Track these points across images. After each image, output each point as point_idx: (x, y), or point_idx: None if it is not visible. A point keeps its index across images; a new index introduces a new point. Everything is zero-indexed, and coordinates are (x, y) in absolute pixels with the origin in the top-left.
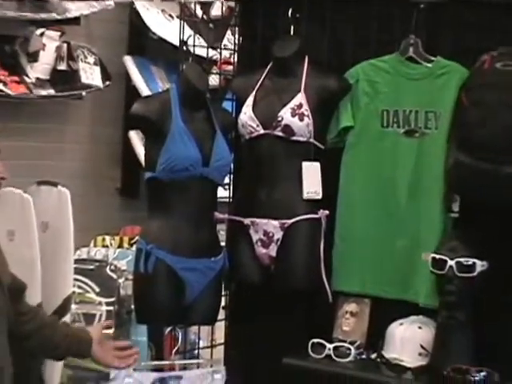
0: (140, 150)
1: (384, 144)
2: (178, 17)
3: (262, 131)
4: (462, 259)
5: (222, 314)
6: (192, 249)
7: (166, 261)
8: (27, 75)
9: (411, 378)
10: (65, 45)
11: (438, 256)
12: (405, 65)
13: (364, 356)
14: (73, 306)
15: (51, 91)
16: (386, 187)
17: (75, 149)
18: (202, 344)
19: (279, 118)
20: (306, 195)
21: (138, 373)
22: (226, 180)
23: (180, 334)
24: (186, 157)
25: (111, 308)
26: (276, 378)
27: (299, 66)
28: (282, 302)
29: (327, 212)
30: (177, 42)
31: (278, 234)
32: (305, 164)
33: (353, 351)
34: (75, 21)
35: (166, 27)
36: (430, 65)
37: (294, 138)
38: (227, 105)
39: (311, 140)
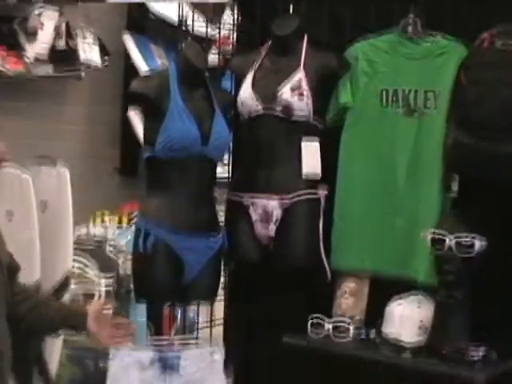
0: (139, 129)
1: (383, 124)
2: None
3: (261, 110)
4: (460, 238)
5: (221, 294)
6: (191, 228)
7: (165, 240)
8: (26, 54)
9: (410, 357)
10: (63, 24)
11: (436, 235)
12: (404, 44)
13: (363, 335)
14: (72, 286)
15: (49, 70)
16: (385, 167)
17: (74, 128)
18: (201, 323)
19: (278, 98)
20: (305, 174)
21: (137, 352)
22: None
23: (179, 313)
24: (184, 135)
25: (110, 287)
26: (275, 358)
27: (298, 45)
28: (281, 281)
29: (326, 191)
30: (176, 21)
31: (278, 213)
32: (304, 144)
33: (352, 330)
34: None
35: (165, 6)
36: (429, 44)
37: (294, 117)
38: (226, 84)
39: (310, 119)
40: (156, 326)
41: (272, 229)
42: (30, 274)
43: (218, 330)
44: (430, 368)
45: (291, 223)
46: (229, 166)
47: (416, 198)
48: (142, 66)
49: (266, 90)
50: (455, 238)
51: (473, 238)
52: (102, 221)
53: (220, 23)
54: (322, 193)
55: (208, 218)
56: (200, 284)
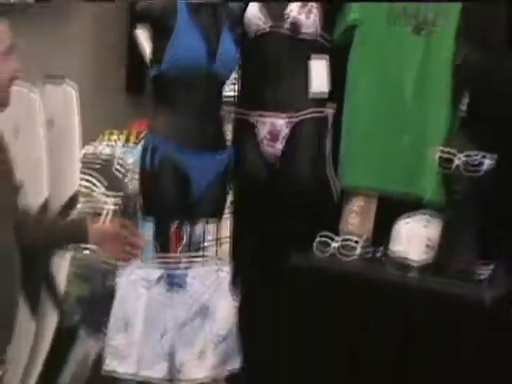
0: (145, 48)
1: (391, 42)
2: None
3: (268, 28)
4: (469, 157)
5: (227, 212)
6: (198, 145)
7: (172, 156)
8: None
9: (417, 276)
10: None
11: (444, 153)
12: None
13: (370, 253)
14: (79, 205)
15: None
16: (393, 85)
17: (80, 47)
18: (207, 241)
19: (286, 15)
20: (312, 93)
21: (144, 269)
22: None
23: (186, 231)
24: (191, 52)
25: (117, 206)
26: (281, 276)
27: None
28: (288, 200)
29: (334, 109)
30: None
31: (284, 131)
32: (312, 62)
33: (358, 248)
34: None
35: None
36: None
37: (301, 35)
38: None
39: (318, 37)
40: (163, 244)
41: (279, 147)
42: (37, 193)
43: (225, 248)
44: (437, 286)
45: (298, 141)
46: (236, 84)
47: (423, 116)
48: None
49: (274, 8)
50: (464, 156)
51: (482, 156)
52: (109, 139)
53: None
54: (330, 111)
55: (215, 136)
56: (207, 201)
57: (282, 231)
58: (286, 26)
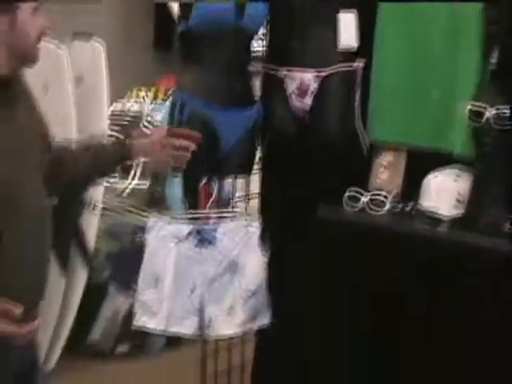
0: (173, 3)
1: None
2: None
3: None
4: (499, 110)
5: (256, 167)
6: (226, 100)
7: (201, 112)
8: None
9: (446, 230)
10: None
11: (475, 107)
12: None
13: (399, 208)
14: None
15: None
16: (422, 39)
17: (108, 4)
18: (236, 197)
19: None
20: (341, 46)
21: (174, 225)
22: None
23: (215, 186)
24: (219, 7)
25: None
26: (310, 231)
27: None
28: (317, 154)
29: (363, 63)
30: None
31: (313, 86)
32: (340, 15)
33: (388, 203)
34: None
35: None
36: None
37: None
38: None
39: None
40: (192, 200)
41: (307, 101)
42: None
43: (254, 204)
44: (466, 240)
45: (327, 96)
46: (264, 39)
47: (453, 69)
48: None
49: None
50: (494, 109)
51: None
52: (138, 96)
53: None
54: (359, 65)
55: (243, 92)
56: (235, 157)
57: (311, 186)
58: None
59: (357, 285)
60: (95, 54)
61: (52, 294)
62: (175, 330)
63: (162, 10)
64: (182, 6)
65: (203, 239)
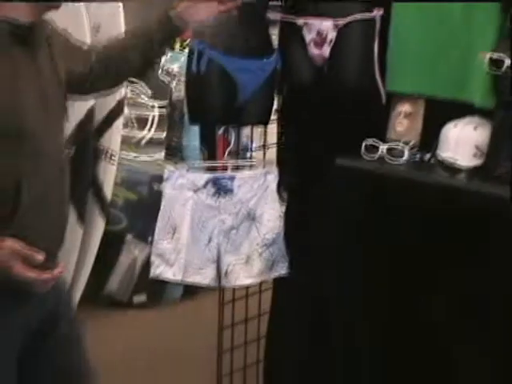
0: None
1: None
2: None
3: None
4: None
5: (274, 117)
6: (244, 49)
7: (219, 61)
8: None
9: (465, 179)
10: None
11: (495, 55)
12: None
13: (418, 157)
14: (125, 110)
15: None
16: None
17: None
18: (254, 146)
19: None
20: None
21: (191, 173)
22: None
23: (233, 136)
24: None
25: (163, 111)
26: (329, 180)
27: None
28: (335, 104)
29: (382, 11)
30: None
31: (332, 34)
32: None
33: (406, 152)
34: None
35: None
36: None
37: None
38: None
39: None
40: (210, 149)
41: (326, 50)
42: (82, 102)
43: (272, 154)
44: (484, 190)
45: (346, 44)
46: None
47: (473, 19)
48: None
49: None
50: None
51: None
52: None
53: None
54: (378, 13)
55: (261, 41)
56: (253, 106)
57: (328, 136)
58: None
59: (373, 232)
60: (113, 3)
61: (69, 244)
62: (192, 279)
63: None
64: None
65: (220, 188)
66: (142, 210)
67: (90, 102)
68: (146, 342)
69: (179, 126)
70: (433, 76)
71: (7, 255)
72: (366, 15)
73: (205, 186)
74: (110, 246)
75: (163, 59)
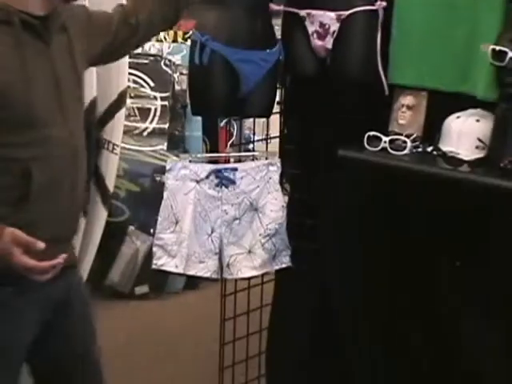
0: None
1: None
2: None
3: None
4: None
5: (276, 109)
6: (247, 40)
7: (221, 52)
8: None
9: (467, 170)
10: None
11: (497, 47)
12: None
13: (420, 149)
14: (128, 101)
15: None
16: None
17: None
18: (256, 139)
19: None
20: None
21: (194, 164)
22: None
23: (235, 127)
24: None
25: (166, 103)
26: (331, 172)
27: None
28: (338, 96)
29: (385, 3)
30: None
31: (335, 26)
32: None
33: (409, 144)
34: None
35: None
36: None
37: None
38: None
39: None
40: (212, 141)
41: (329, 41)
42: (86, 89)
43: (274, 145)
44: (487, 181)
45: (349, 36)
46: None
47: (477, 11)
48: None
49: None
50: None
51: None
52: (157, 38)
53: None
54: (381, 4)
55: (264, 32)
56: (256, 98)
57: (330, 127)
58: None
59: (375, 224)
60: None
61: None
62: (194, 271)
63: None
64: None
65: (223, 179)
66: (144, 202)
67: (92, 94)
68: (147, 333)
69: (181, 117)
70: (435, 68)
71: (7, 243)
72: (369, 7)
73: (207, 176)
74: (113, 238)
75: (165, 49)
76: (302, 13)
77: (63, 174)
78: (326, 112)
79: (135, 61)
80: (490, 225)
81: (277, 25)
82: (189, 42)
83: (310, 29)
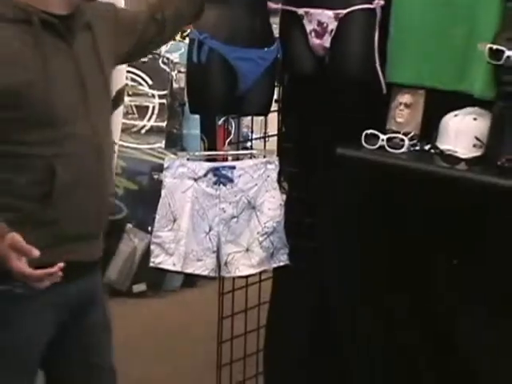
0: None
1: None
2: None
3: None
4: None
5: (274, 107)
6: (245, 39)
7: (219, 50)
8: None
9: (465, 169)
10: None
11: (495, 46)
12: None
13: (418, 147)
14: (126, 99)
15: None
16: None
17: None
18: (254, 137)
19: None
20: None
21: (192, 162)
22: None
23: (233, 125)
24: None
25: (164, 101)
26: (329, 170)
27: None
28: (336, 94)
29: (383, 2)
30: None
31: (333, 25)
32: None
33: (406, 142)
34: None
35: None
36: None
37: None
38: None
39: None
40: (210, 139)
41: (327, 39)
42: None
43: (272, 143)
44: (484, 179)
45: (347, 34)
46: None
47: (474, 9)
48: None
49: None
50: None
51: None
52: None
53: None
54: (379, 3)
55: (262, 30)
56: (254, 96)
57: (328, 126)
58: None
59: (373, 222)
60: None
61: None
62: (192, 269)
63: None
64: None
65: (221, 177)
66: (142, 200)
67: None
68: (145, 331)
69: (179, 115)
70: (433, 67)
71: (6, 247)
72: (367, 6)
73: (205, 175)
74: (110, 235)
75: (163, 47)
76: (300, 11)
77: (88, 172)
78: (324, 110)
79: None
80: (486, 223)
81: (275, 23)
82: (187, 40)
83: (308, 27)
